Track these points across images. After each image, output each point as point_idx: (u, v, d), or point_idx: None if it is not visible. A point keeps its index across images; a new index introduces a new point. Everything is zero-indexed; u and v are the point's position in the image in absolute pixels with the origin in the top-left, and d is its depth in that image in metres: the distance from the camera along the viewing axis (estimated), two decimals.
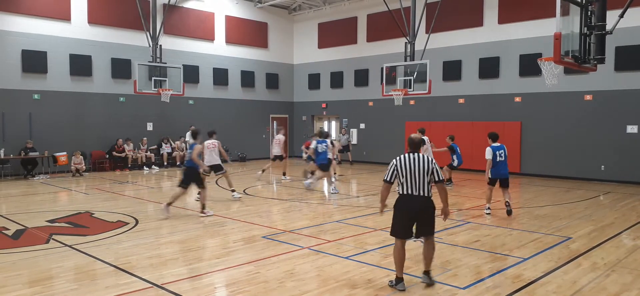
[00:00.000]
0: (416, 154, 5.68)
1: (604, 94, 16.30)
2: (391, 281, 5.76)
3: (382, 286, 5.81)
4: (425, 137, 14.61)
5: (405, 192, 5.61)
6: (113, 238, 8.26)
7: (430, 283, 5.77)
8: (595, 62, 8.78)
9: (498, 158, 10.18)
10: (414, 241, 6.03)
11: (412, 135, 5.91)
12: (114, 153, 19.25)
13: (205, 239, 8.35)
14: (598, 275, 6.30)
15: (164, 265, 6.76)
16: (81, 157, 17.87)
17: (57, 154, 17.75)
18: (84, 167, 17.97)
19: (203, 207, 10.35)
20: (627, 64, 15.74)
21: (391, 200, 5.84)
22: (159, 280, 6.01)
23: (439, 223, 6.10)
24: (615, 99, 16.10)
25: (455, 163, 14.72)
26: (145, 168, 19.75)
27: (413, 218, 5.62)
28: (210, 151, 12.33)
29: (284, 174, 16.82)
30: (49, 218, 9.98)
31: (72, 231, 8.97)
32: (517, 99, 18.25)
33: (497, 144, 10.34)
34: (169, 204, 10.06)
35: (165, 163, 20.47)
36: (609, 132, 16.15)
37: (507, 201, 10.25)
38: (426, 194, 5.58)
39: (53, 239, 8.13)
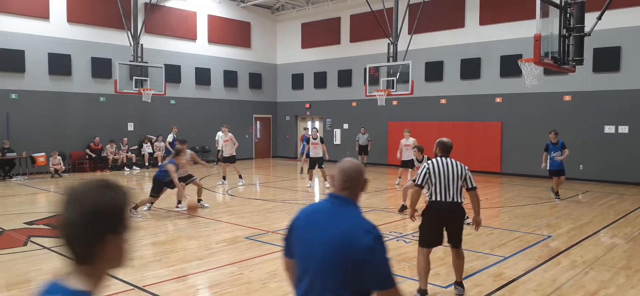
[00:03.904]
0: (449, 159, 5.44)
1: (583, 95, 16.59)
2: None
3: None
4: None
5: (436, 198, 5.35)
6: None
7: (462, 293, 5.61)
8: (574, 63, 8.95)
9: None
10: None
11: (443, 139, 5.61)
12: (88, 151, 18.89)
13: (187, 241, 8.28)
14: (577, 273, 6.41)
15: (145, 266, 6.69)
16: (59, 157, 17.57)
17: (35, 154, 17.43)
18: (63, 168, 17.67)
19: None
20: (604, 65, 16.05)
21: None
22: (141, 282, 5.94)
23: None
24: (593, 99, 16.40)
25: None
26: (126, 168, 19.51)
27: (443, 224, 5.40)
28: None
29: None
30: (27, 219, 9.79)
31: (51, 233, 8.80)
32: (498, 99, 18.47)
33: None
34: None
35: (147, 164, 20.24)
36: (588, 133, 16.44)
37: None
38: (457, 201, 5.34)
39: (31, 241, 7.98)
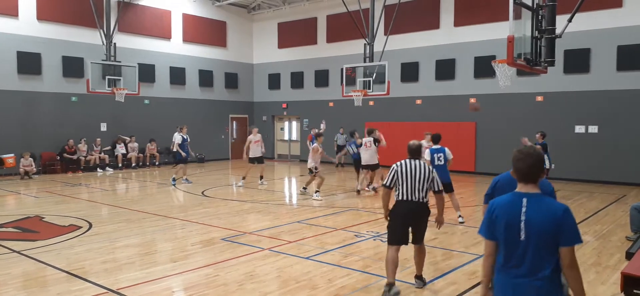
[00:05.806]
0: (417, 161, 5.63)
1: (554, 96, 16.96)
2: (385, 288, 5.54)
3: (342, 286, 5.83)
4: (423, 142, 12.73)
5: (402, 198, 5.53)
6: (65, 243, 7.95)
7: (421, 285, 5.87)
8: (546, 64, 9.12)
9: (436, 161, 9.47)
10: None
11: (411, 142, 5.81)
12: (65, 155, 18.54)
13: (162, 243, 8.16)
14: None
15: (119, 269, 6.57)
16: (30, 159, 17.13)
17: (4, 156, 16.95)
18: (34, 169, 17.22)
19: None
20: (575, 66, 16.45)
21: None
22: (114, 285, 5.84)
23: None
24: (564, 100, 16.78)
25: None
26: (98, 169, 19.14)
27: (410, 223, 5.59)
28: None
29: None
30: None
31: (20, 236, 8.59)
32: (472, 100, 18.74)
33: (437, 146, 9.75)
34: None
35: (120, 165, 19.89)
36: (559, 132, 16.79)
37: (459, 215, 9.73)
38: (423, 201, 5.55)
39: (0, 245, 7.75)
